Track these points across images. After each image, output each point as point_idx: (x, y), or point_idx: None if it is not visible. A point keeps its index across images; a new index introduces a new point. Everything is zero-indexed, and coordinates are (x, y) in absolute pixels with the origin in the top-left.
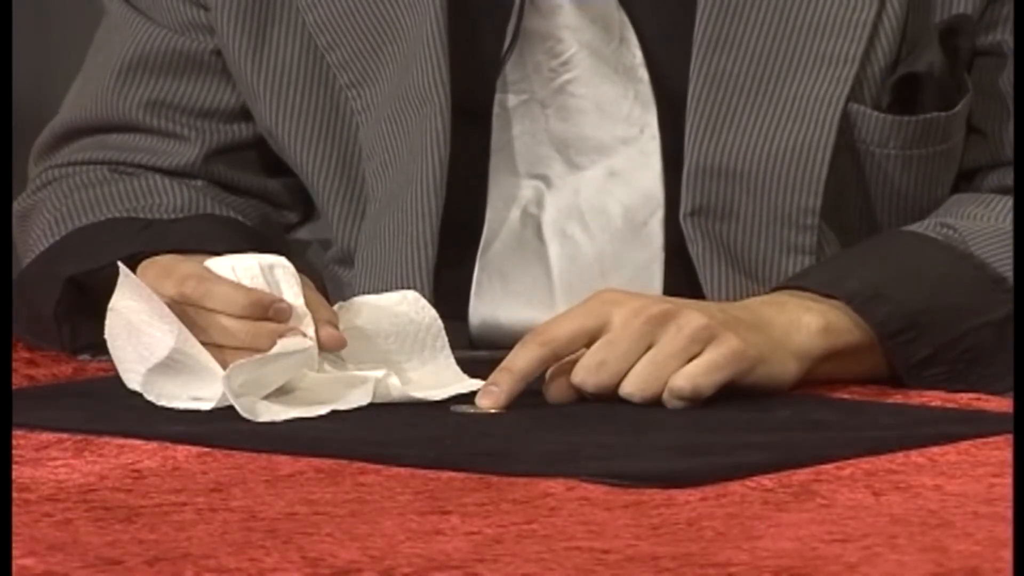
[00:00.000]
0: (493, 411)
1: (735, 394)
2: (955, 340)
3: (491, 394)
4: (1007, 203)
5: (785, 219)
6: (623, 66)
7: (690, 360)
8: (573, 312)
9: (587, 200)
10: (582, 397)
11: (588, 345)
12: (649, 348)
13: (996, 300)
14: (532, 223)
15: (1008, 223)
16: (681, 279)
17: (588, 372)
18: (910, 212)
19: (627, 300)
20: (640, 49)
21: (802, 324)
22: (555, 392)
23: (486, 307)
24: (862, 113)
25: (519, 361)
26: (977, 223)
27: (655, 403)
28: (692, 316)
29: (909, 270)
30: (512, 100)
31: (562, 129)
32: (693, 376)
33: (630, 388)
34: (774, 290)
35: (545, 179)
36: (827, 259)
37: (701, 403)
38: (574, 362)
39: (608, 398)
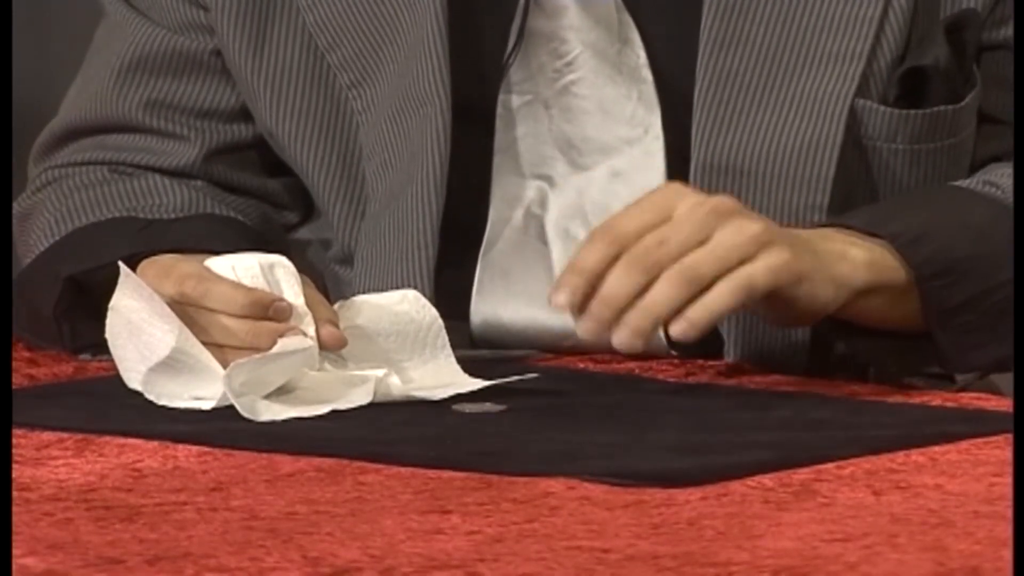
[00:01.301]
0: (494, 411)
1: (735, 393)
2: (990, 289)
3: (561, 294)
4: None
5: (793, 216)
6: (627, 67)
7: (743, 261)
8: (638, 205)
9: (590, 200)
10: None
11: None
12: (707, 240)
13: None
14: (535, 223)
15: None
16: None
17: (647, 248)
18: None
19: (691, 194)
20: (644, 50)
21: (847, 255)
22: (586, 327)
23: (487, 306)
24: (869, 108)
25: (589, 260)
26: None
27: (689, 297)
28: (752, 220)
29: (952, 217)
30: (516, 101)
31: (566, 130)
32: (752, 273)
33: (680, 268)
34: (820, 226)
35: (548, 179)
36: (873, 204)
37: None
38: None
39: (645, 284)
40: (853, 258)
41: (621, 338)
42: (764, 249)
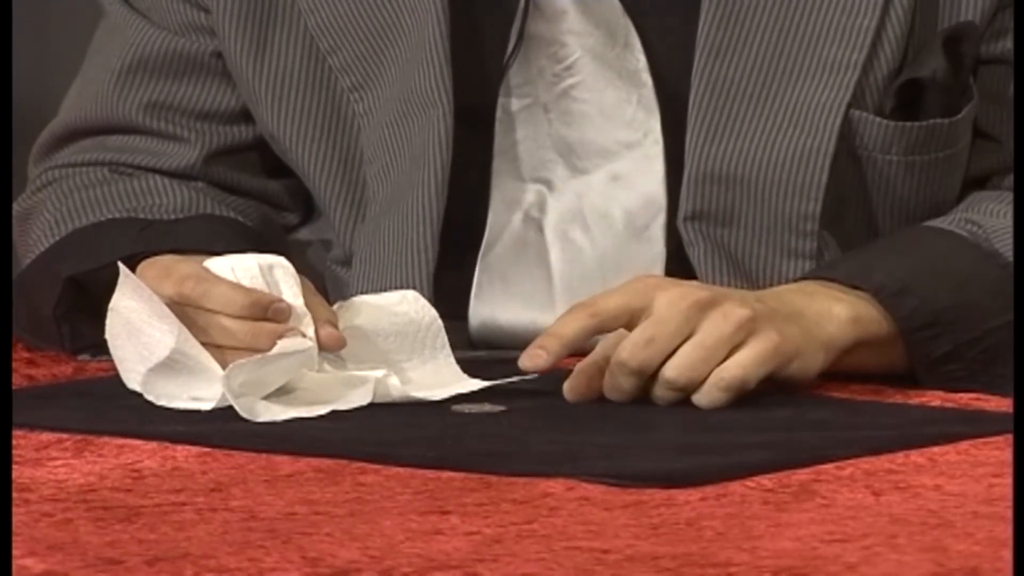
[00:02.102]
0: (494, 411)
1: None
2: (976, 339)
3: (537, 357)
4: None
5: (785, 224)
6: (627, 71)
7: (734, 348)
8: (618, 290)
9: (589, 204)
10: (600, 396)
11: (630, 325)
12: (693, 334)
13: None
14: (534, 226)
15: None
16: None
17: (636, 348)
18: (911, 218)
19: (670, 285)
20: (644, 54)
21: (832, 314)
22: (575, 388)
23: (486, 308)
24: (864, 119)
25: (567, 329)
26: (1001, 220)
27: (687, 395)
28: (736, 306)
29: (935, 266)
30: (515, 104)
31: (565, 133)
32: (744, 366)
33: (673, 372)
34: (801, 279)
35: (547, 183)
36: (854, 251)
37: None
38: (597, 364)
39: (640, 386)
40: (838, 316)
41: None
42: (752, 335)
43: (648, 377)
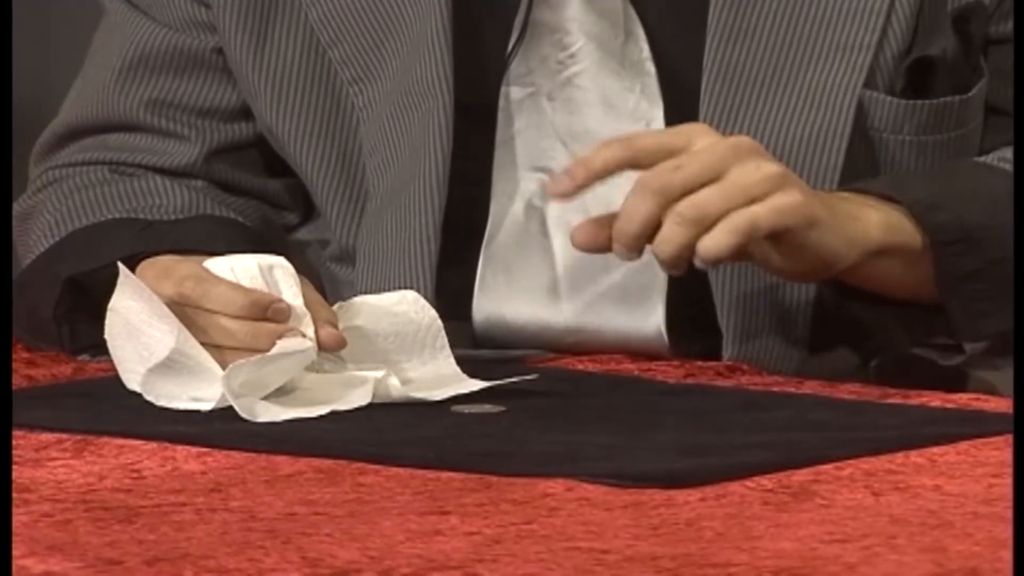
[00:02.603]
0: (493, 412)
1: (735, 393)
2: (1003, 259)
3: (561, 182)
4: None
5: None
6: (630, 60)
7: (755, 200)
8: (660, 130)
9: (592, 193)
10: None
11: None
12: (720, 178)
13: None
14: (536, 216)
15: None
16: (684, 277)
17: (662, 172)
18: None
19: (715, 132)
20: (647, 43)
21: (863, 215)
22: (582, 237)
23: (490, 303)
24: (876, 99)
25: (599, 158)
26: None
27: (695, 236)
28: (771, 162)
29: (969, 187)
30: (518, 93)
31: (568, 122)
32: (756, 212)
33: (688, 205)
34: (837, 190)
35: (550, 172)
36: (890, 174)
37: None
38: (610, 218)
39: (656, 213)
40: (867, 218)
41: (622, 257)
42: (777, 190)
43: (665, 205)
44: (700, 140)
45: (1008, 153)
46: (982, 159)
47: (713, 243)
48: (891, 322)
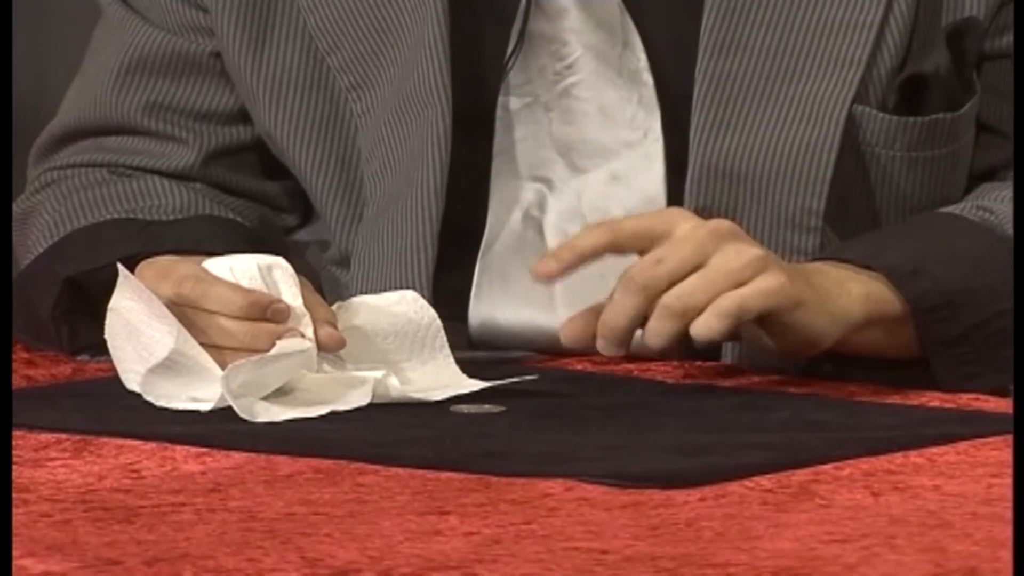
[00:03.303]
0: (493, 412)
1: (734, 394)
2: (986, 321)
3: (548, 264)
4: None
5: (788, 221)
6: (627, 70)
7: (739, 285)
8: (644, 214)
9: (589, 203)
10: (594, 349)
11: (648, 247)
12: (703, 264)
13: None
14: (534, 225)
15: None
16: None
17: (644, 267)
18: (915, 213)
19: (694, 217)
20: (644, 53)
21: (844, 289)
22: (570, 332)
23: (486, 308)
24: (868, 114)
25: (583, 241)
26: (1011, 206)
27: (684, 326)
28: (751, 245)
29: (947, 248)
30: (515, 103)
31: (565, 132)
32: (743, 296)
33: (674, 296)
34: (813, 260)
35: (547, 182)
36: (866, 234)
37: (726, 338)
38: (596, 310)
39: (643, 308)
40: (849, 292)
41: (608, 351)
42: (760, 273)
43: (652, 300)
44: (680, 225)
45: (987, 201)
46: (959, 210)
47: (705, 328)
48: (880, 384)
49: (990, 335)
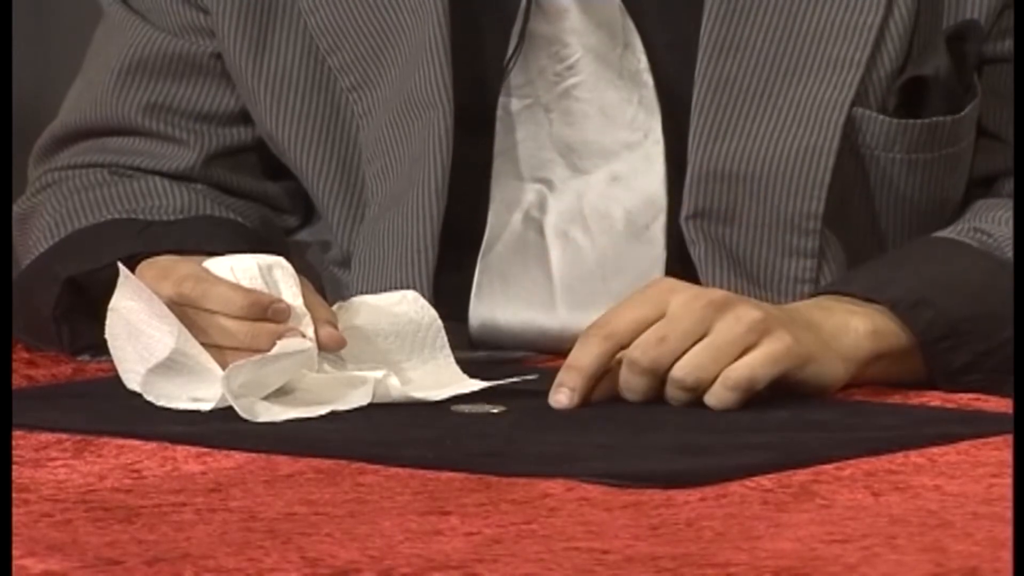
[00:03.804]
0: (493, 412)
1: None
2: (994, 349)
3: (563, 394)
4: None
5: (787, 223)
6: (628, 71)
7: (746, 350)
8: (632, 301)
9: (590, 204)
10: (618, 396)
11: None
12: (705, 335)
13: None
14: (534, 226)
15: None
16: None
17: (648, 346)
18: (914, 216)
19: (685, 288)
20: (645, 54)
21: (850, 327)
22: (598, 392)
23: (486, 309)
24: (867, 117)
25: (585, 358)
26: (1009, 228)
27: (698, 396)
28: (750, 308)
29: (950, 277)
30: (516, 104)
31: (566, 133)
32: (752, 366)
33: (683, 372)
34: (816, 294)
35: (548, 183)
36: (866, 264)
37: (745, 400)
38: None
39: (653, 385)
40: (855, 329)
41: None
42: (764, 337)
43: (661, 377)
44: (673, 300)
45: (984, 223)
46: (958, 235)
47: (718, 402)
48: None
49: (998, 363)
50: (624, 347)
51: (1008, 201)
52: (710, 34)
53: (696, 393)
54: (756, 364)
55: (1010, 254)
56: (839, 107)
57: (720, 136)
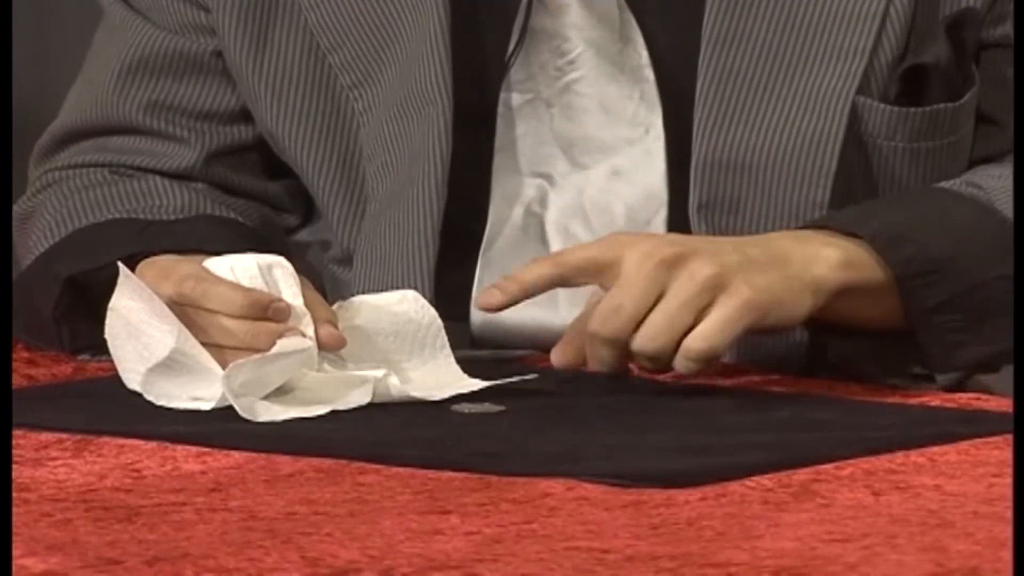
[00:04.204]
0: (494, 411)
1: (735, 393)
2: (971, 289)
3: (492, 295)
4: None
5: (793, 213)
6: (629, 66)
7: (702, 310)
8: (587, 244)
9: (590, 199)
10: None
11: (598, 279)
12: (661, 294)
13: (1015, 256)
14: (535, 222)
15: None
16: None
17: (605, 317)
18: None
19: (639, 241)
20: (646, 49)
21: (821, 256)
22: (564, 355)
23: None
24: (869, 106)
25: (527, 274)
26: (1002, 182)
27: (665, 363)
28: (703, 263)
29: (933, 218)
30: (517, 99)
31: (567, 129)
32: (708, 336)
33: (640, 343)
34: (798, 228)
35: (549, 178)
36: (853, 205)
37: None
38: (580, 329)
39: (618, 355)
40: (827, 258)
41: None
42: (720, 293)
43: (624, 347)
44: (626, 256)
45: (977, 177)
46: (949, 185)
47: (684, 370)
48: (863, 354)
49: (976, 304)
50: (567, 281)
51: (1005, 161)
52: (713, 25)
53: (661, 362)
54: (712, 333)
55: (997, 203)
56: (843, 96)
57: (725, 127)
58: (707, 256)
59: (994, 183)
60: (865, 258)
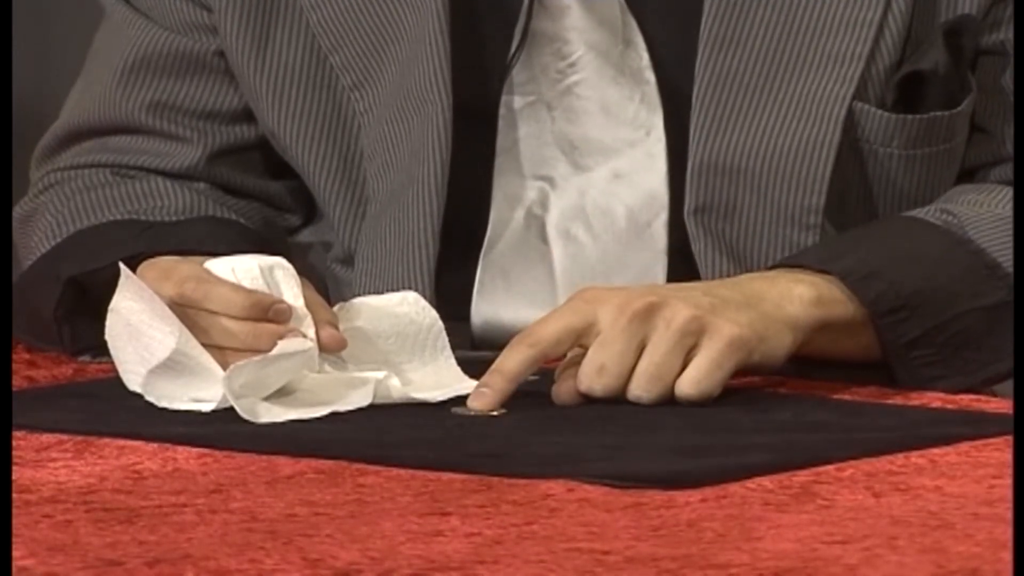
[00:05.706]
0: (493, 413)
1: (735, 394)
2: (945, 323)
3: (483, 396)
4: (1007, 192)
5: (788, 218)
6: (630, 68)
7: (688, 352)
8: (558, 312)
9: (592, 201)
10: (588, 399)
11: (576, 344)
12: (642, 345)
13: (989, 286)
14: (536, 224)
15: (1007, 210)
16: (684, 280)
17: (591, 378)
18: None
19: (609, 296)
20: (647, 52)
21: (794, 295)
22: (563, 394)
23: (488, 307)
24: (866, 112)
25: (508, 363)
26: (977, 209)
27: (667, 400)
28: (678, 308)
29: (905, 251)
30: (518, 102)
31: (568, 131)
32: (697, 381)
33: (638, 392)
34: (769, 268)
35: (550, 180)
36: (824, 240)
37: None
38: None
39: (618, 399)
40: (800, 295)
41: None
42: (703, 336)
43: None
44: (600, 313)
45: (951, 204)
46: (922, 214)
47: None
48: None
49: (950, 337)
50: (548, 357)
51: (984, 185)
52: (710, 29)
53: (660, 397)
54: (702, 377)
55: (972, 233)
56: (840, 101)
57: (721, 131)
58: (679, 302)
59: (968, 211)
60: (838, 295)
